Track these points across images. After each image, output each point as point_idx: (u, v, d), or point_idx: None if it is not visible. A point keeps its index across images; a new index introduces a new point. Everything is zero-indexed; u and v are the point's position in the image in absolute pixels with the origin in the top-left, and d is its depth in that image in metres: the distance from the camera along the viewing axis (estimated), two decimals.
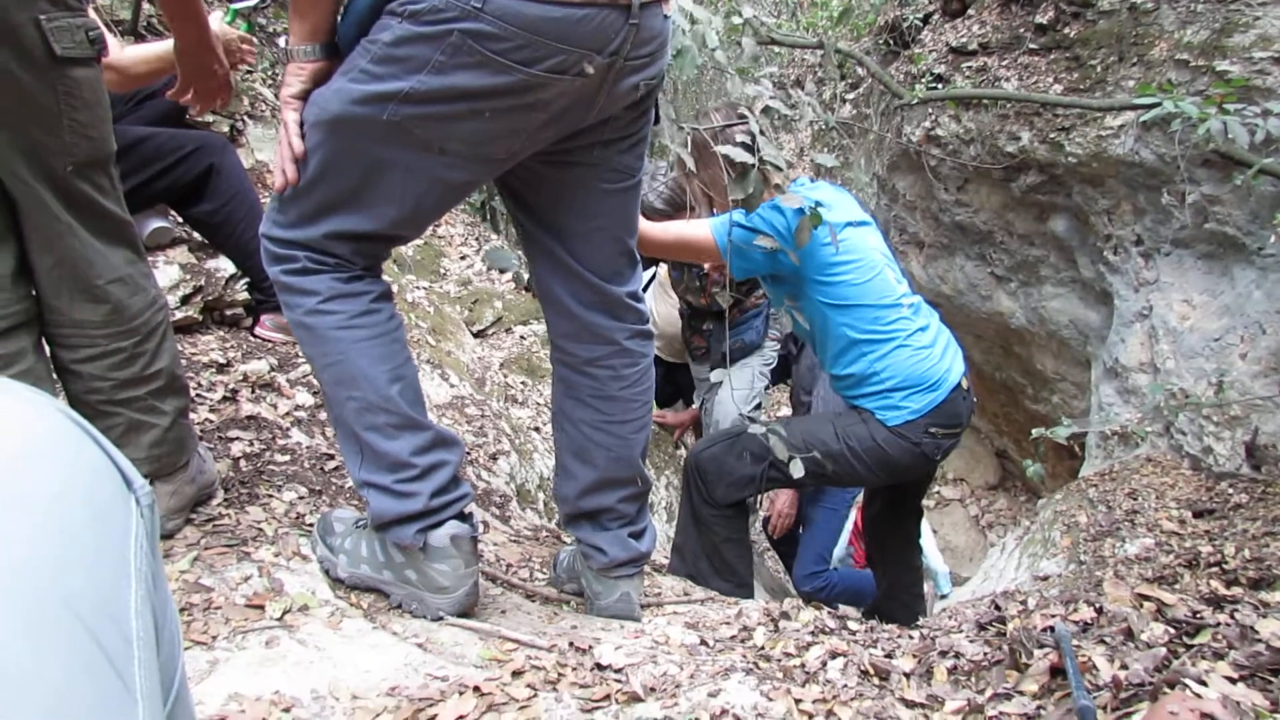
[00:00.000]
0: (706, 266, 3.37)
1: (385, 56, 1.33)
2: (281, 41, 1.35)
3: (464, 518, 1.66)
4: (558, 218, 1.65)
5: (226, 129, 3.15)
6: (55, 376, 1.61)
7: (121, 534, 0.55)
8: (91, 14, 1.47)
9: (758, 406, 3.57)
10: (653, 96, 1.57)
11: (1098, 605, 1.55)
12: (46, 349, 1.59)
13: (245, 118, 3.28)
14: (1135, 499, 3.66)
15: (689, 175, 2.51)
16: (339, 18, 1.43)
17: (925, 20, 7.14)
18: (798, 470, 2.26)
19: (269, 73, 3.81)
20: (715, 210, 2.58)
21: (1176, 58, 5.05)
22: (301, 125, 1.45)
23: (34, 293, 1.54)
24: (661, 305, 4.01)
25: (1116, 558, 2.88)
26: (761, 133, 2.10)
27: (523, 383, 3.40)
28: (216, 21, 2.32)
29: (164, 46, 2.27)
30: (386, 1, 1.33)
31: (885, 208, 7.71)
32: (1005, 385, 7.54)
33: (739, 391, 3.52)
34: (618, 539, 1.87)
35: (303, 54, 1.43)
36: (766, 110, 2.26)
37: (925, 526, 6.62)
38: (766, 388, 3.70)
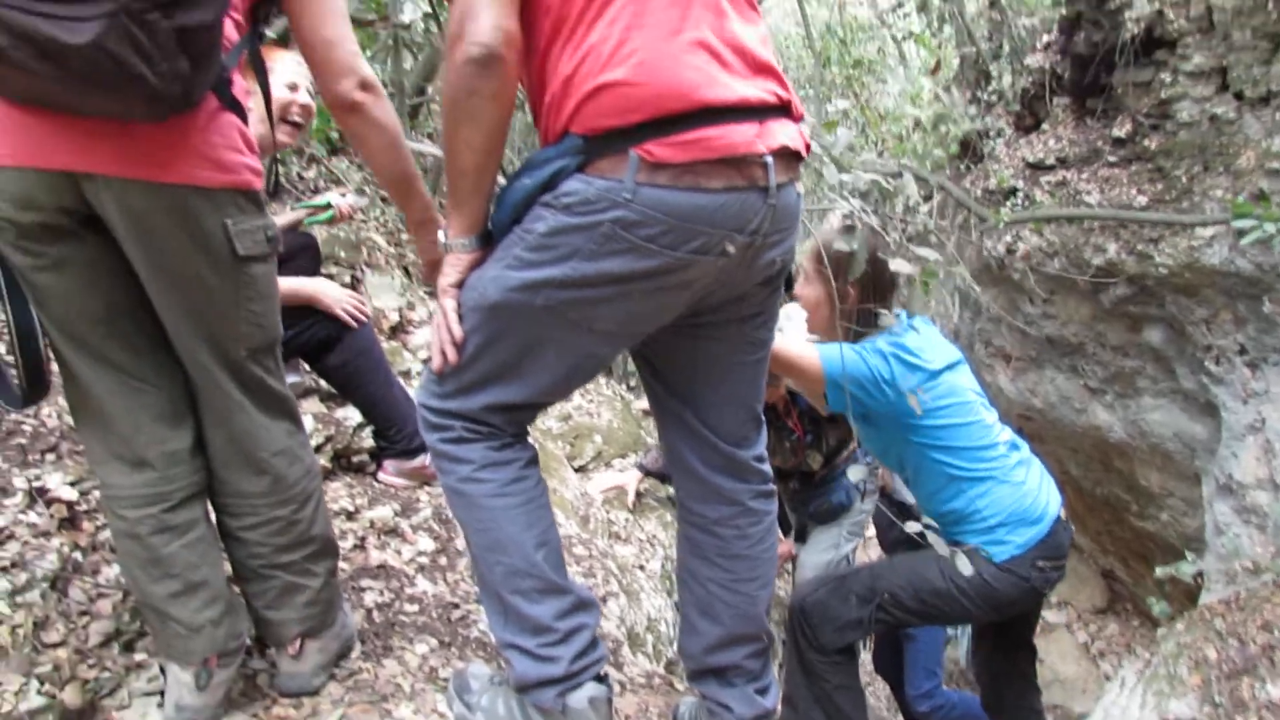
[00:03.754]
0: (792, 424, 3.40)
1: (540, 245, 1.46)
2: (442, 235, 1.50)
3: (601, 679, 1.72)
4: (691, 387, 1.75)
5: (348, 279, 3.39)
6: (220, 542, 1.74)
7: None
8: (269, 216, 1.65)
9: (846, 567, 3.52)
10: (785, 270, 1.68)
11: None
12: (213, 516, 1.73)
13: (364, 266, 3.53)
14: (1271, 632, 3.49)
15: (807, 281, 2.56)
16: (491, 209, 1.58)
17: (998, 134, 7.29)
18: (965, 567, 2.25)
19: (381, 219, 4.09)
20: (827, 329, 2.62)
21: (1267, 166, 5.06)
22: (458, 307, 1.58)
23: (205, 465, 1.68)
24: None
25: (1259, 701, 2.75)
26: (863, 211, 2.19)
27: (625, 519, 3.47)
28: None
29: (292, 283, 2.53)
30: (539, 193, 1.47)
31: (969, 320, 7.72)
32: (1107, 502, 7.32)
33: (822, 555, 3.49)
34: (744, 696, 1.90)
35: (460, 246, 1.57)
36: (865, 195, 2.35)
37: None
38: (856, 547, 3.64)
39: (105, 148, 1.35)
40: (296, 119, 2.44)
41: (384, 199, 4.80)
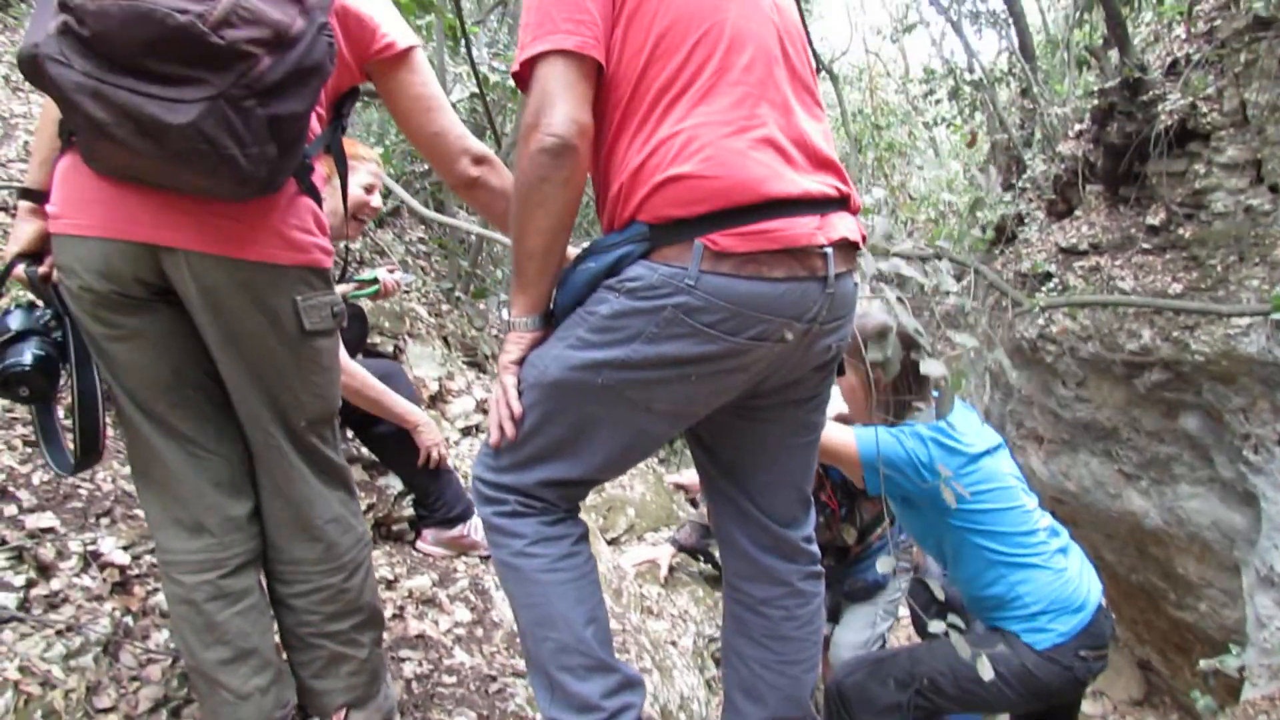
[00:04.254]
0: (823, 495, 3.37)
1: (602, 327, 1.48)
2: (505, 313, 1.55)
3: None
4: (743, 468, 1.76)
5: (390, 348, 3.45)
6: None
7: None
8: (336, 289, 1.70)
9: (881, 649, 3.45)
10: (839, 356, 1.70)
11: None
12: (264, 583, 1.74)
13: (406, 336, 3.60)
14: None
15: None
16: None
17: (1030, 217, 7.33)
18: (986, 671, 2.19)
19: (423, 290, 4.18)
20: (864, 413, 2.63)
21: None
22: (518, 383, 1.61)
23: (260, 532, 1.70)
24: None
25: None
26: (900, 300, 2.20)
27: (658, 593, 3.44)
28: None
29: (398, 404, 2.60)
30: (604, 277, 1.51)
31: (1000, 401, 7.67)
32: (1143, 589, 7.15)
33: (857, 634, 3.43)
34: None
35: (524, 325, 1.61)
36: (903, 283, 2.36)
37: None
38: (891, 627, 3.58)
39: (188, 223, 1.41)
40: (365, 218, 2.55)
41: (424, 270, 4.90)
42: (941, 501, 2.47)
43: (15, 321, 1.50)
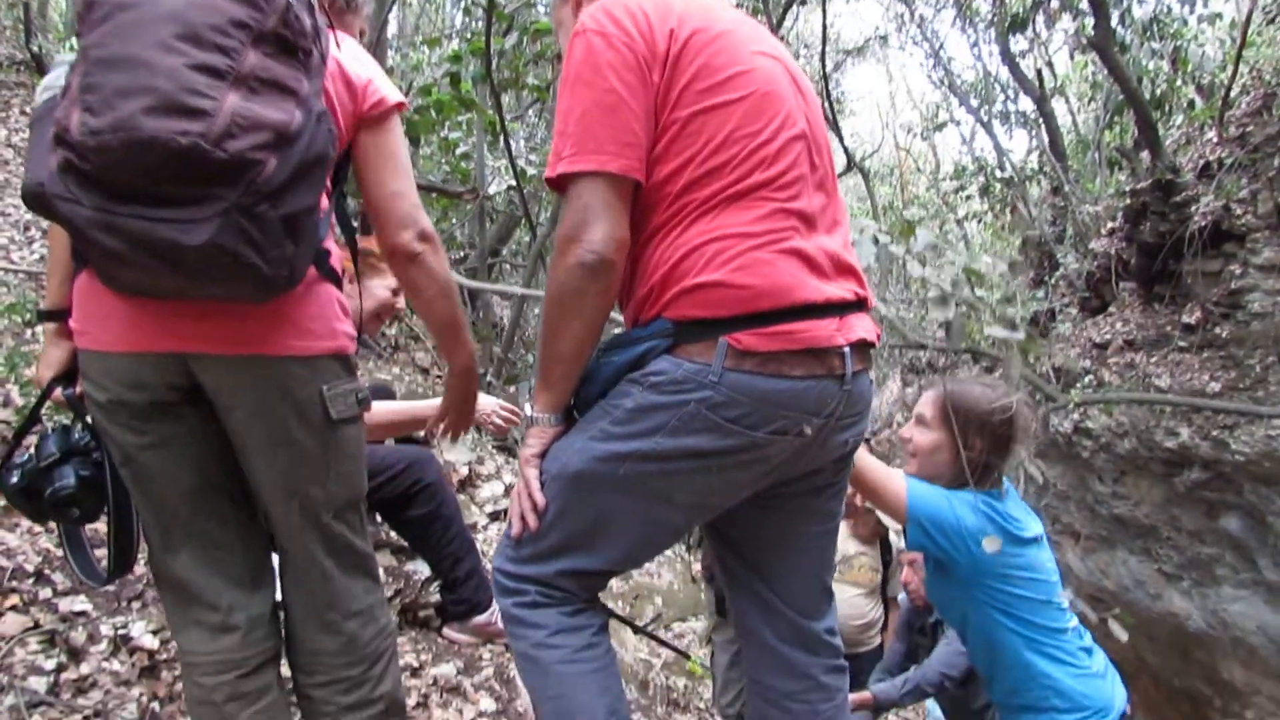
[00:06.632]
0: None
1: (626, 419, 1.49)
2: (529, 408, 1.56)
3: None
4: (763, 557, 1.75)
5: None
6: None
7: None
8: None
9: None
10: (856, 448, 1.70)
11: None
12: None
13: None
14: None
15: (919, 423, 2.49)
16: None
17: (1063, 310, 7.29)
18: None
19: None
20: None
21: None
22: (540, 475, 1.62)
23: (280, 629, 1.68)
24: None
25: None
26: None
27: (684, 686, 3.36)
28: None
29: (407, 408, 2.57)
30: (627, 370, 1.53)
31: (1034, 496, 7.51)
32: (1188, 694, 6.83)
33: None
34: None
35: (546, 421, 1.62)
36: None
37: None
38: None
39: (210, 328, 1.40)
40: (386, 317, 2.56)
41: None
42: (978, 576, 2.39)
43: (55, 445, 1.51)
